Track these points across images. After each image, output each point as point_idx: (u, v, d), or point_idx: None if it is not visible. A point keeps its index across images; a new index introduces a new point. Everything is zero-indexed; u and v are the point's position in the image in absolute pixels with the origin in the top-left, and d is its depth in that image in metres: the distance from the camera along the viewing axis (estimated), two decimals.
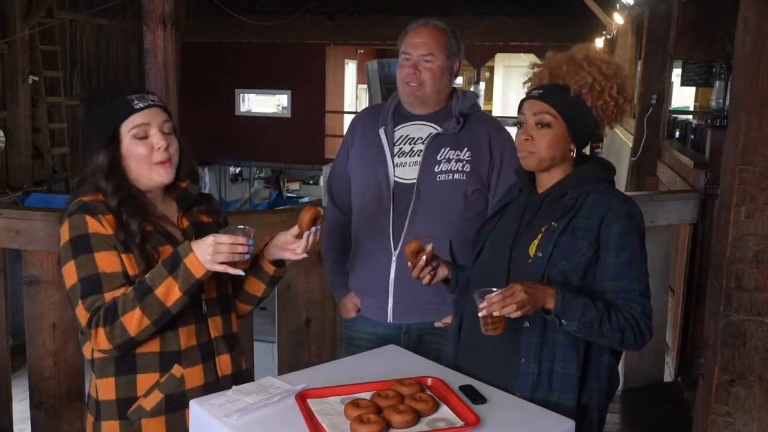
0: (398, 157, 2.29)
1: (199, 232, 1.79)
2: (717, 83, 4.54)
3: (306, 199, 13.59)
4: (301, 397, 1.60)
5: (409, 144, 2.30)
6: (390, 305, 2.28)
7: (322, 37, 13.87)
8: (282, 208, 9.40)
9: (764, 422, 1.94)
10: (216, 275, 1.70)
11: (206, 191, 1.94)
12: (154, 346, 1.73)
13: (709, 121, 4.29)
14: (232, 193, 15.26)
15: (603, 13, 10.67)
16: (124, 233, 1.69)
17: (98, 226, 1.68)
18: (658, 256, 3.59)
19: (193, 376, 1.76)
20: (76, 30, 11.66)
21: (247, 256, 1.64)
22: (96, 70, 12.22)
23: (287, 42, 13.68)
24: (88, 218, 1.68)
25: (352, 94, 16.15)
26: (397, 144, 2.31)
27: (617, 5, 9.35)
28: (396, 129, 2.32)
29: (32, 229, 2.83)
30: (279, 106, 14.79)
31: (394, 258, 2.25)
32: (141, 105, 1.74)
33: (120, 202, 1.70)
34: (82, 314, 1.65)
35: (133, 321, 1.62)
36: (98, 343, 1.66)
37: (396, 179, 2.28)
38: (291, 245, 1.82)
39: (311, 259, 2.70)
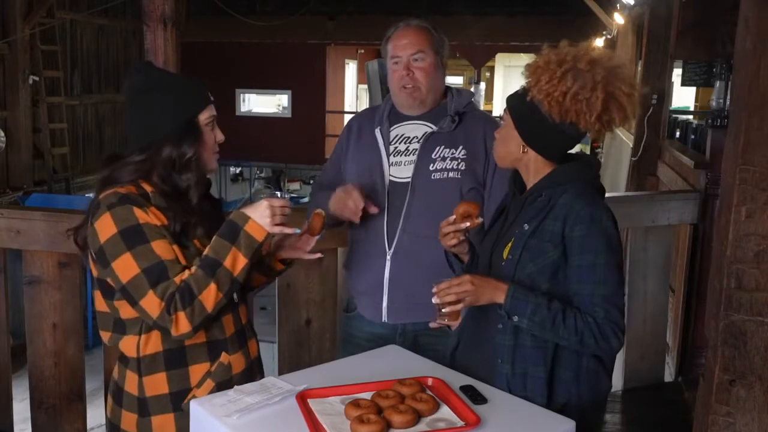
0: (394, 156, 2.30)
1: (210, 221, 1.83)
2: (717, 83, 4.54)
3: (306, 199, 13.56)
4: (302, 397, 1.60)
5: (405, 143, 2.30)
6: (384, 304, 2.28)
7: (322, 37, 13.86)
8: None
9: (765, 422, 1.94)
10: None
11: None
12: (200, 337, 1.76)
13: (710, 121, 4.29)
14: (233, 193, 15.21)
15: (603, 13, 10.67)
16: (181, 225, 1.72)
17: (147, 216, 1.68)
18: (658, 256, 3.60)
19: (237, 361, 1.82)
20: (76, 30, 11.65)
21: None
22: (96, 70, 12.22)
23: (287, 42, 13.66)
24: (136, 209, 1.67)
25: (353, 94, 16.15)
26: (392, 143, 2.31)
27: (617, 5, 9.35)
28: (392, 129, 2.33)
29: (33, 229, 2.83)
30: (279, 106, 14.78)
31: (388, 257, 2.25)
32: (212, 97, 1.83)
33: (201, 197, 1.77)
34: (154, 303, 1.64)
35: (210, 297, 1.66)
36: (179, 328, 1.65)
37: (391, 178, 2.28)
38: (299, 244, 1.95)
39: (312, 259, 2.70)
